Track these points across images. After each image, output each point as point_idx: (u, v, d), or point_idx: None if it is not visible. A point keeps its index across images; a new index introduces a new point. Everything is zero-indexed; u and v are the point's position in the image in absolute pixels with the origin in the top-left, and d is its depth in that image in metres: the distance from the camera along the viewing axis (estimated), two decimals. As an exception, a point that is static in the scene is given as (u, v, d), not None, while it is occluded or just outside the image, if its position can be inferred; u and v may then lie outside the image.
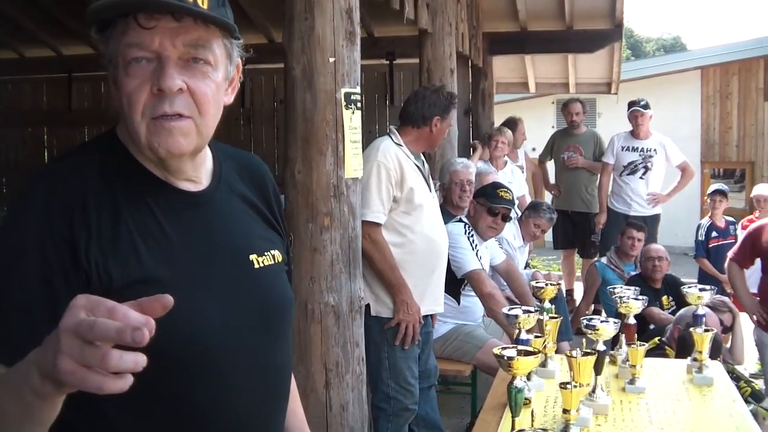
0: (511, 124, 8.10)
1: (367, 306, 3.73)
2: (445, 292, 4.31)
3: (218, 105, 1.39)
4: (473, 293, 4.81)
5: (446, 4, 5.85)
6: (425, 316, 4.03)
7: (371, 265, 3.81)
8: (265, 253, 1.52)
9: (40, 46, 9.04)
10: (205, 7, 1.30)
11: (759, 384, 4.71)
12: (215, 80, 1.36)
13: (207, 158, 1.49)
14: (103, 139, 1.44)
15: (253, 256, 1.49)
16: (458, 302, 4.91)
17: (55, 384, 0.97)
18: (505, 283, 5.54)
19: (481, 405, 5.08)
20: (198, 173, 1.46)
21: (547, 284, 3.23)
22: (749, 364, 5.99)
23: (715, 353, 3.88)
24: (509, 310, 2.81)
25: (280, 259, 1.56)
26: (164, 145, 1.32)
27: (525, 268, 6.61)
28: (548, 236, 14.81)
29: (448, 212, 4.94)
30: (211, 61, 1.34)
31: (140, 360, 0.92)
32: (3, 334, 1.24)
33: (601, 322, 2.68)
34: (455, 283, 4.76)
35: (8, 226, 1.32)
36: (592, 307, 7.75)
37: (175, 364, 1.28)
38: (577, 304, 7.82)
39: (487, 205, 5.01)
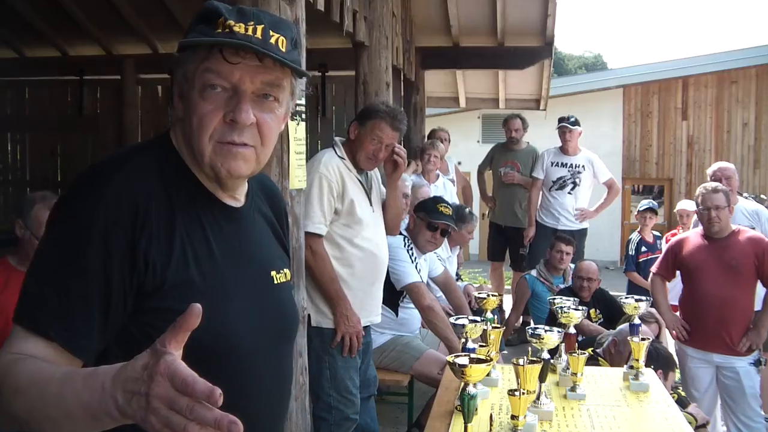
0: (433, 133, 8.22)
1: (308, 316, 3.74)
2: (384, 303, 4.33)
3: (277, 136, 1.55)
4: (411, 305, 4.85)
5: (383, 17, 5.89)
6: (365, 327, 4.05)
7: (311, 277, 3.82)
8: (281, 271, 1.66)
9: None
10: (284, 50, 1.43)
11: (682, 391, 4.87)
12: (279, 115, 1.52)
13: None
14: (159, 143, 1.54)
15: (273, 273, 1.63)
16: (396, 314, 4.94)
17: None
18: (440, 294, 5.60)
19: (417, 415, 5.16)
20: (241, 192, 1.61)
21: (489, 295, 3.30)
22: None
23: (667, 367, 4.04)
24: (456, 319, 2.86)
25: (289, 278, 1.70)
26: (226, 167, 1.46)
27: (457, 280, 6.68)
28: (474, 249, 15.16)
29: (384, 225, 4.97)
30: (279, 99, 1.50)
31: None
32: (63, 318, 1.34)
33: (546, 331, 2.75)
34: (394, 295, 4.80)
35: (78, 210, 1.39)
36: (521, 318, 7.90)
37: (208, 358, 1.36)
38: (507, 315, 7.94)
39: (427, 220, 5.06)
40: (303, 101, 3.27)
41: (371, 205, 4.08)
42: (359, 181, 4.00)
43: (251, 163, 1.49)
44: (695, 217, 5.44)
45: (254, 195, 1.65)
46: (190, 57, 1.43)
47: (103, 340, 1.37)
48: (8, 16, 7.67)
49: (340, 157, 3.96)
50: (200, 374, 1.39)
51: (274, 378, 1.59)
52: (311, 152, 4.13)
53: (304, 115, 3.30)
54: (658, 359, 3.91)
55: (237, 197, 1.58)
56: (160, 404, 1.05)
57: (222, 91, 1.43)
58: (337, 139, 4.12)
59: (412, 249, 4.94)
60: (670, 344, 5.90)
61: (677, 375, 5.37)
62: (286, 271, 1.69)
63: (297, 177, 3.31)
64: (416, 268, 4.86)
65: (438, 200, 5.36)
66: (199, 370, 1.37)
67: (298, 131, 3.25)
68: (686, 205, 7.78)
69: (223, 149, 1.44)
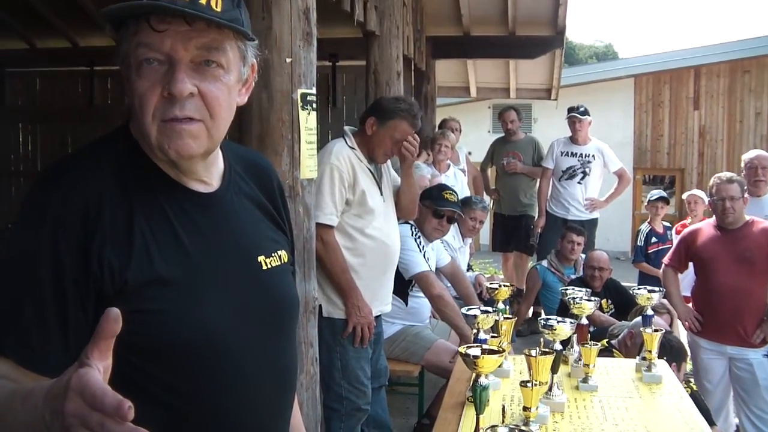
0: (444, 123, 8.23)
1: (319, 307, 3.73)
2: (393, 293, 4.31)
3: (230, 108, 1.40)
4: (421, 294, 4.84)
5: (394, 7, 5.87)
6: (376, 317, 4.04)
7: (323, 267, 3.81)
8: (272, 254, 1.54)
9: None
10: (219, 9, 1.30)
11: (694, 384, 4.84)
12: (227, 83, 1.37)
13: (218, 159, 1.49)
14: (117, 135, 1.43)
15: (261, 258, 1.51)
16: (406, 303, 4.93)
17: None
18: (449, 285, 5.58)
19: (427, 405, 5.16)
20: (209, 174, 1.47)
21: (500, 285, 3.28)
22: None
23: (679, 358, 4.02)
24: (468, 310, 2.85)
25: (286, 260, 1.58)
26: (174, 147, 1.33)
27: (467, 270, 6.67)
28: (484, 239, 15.12)
29: (395, 216, 4.95)
30: (223, 64, 1.35)
31: None
32: (18, 333, 1.26)
33: (558, 322, 2.74)
34: (403, 284, 4.78)
35: (25, 224, 1.32)
36: (532, 309, 7.89)
37: (192, 355, 1.33)
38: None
39: (433, 208, 5.04)
40: (313, 90, 3.25)
41: (382, 194, 4.06)
42: (370, 171, 3.99)
43: (202, 140, 1.35)
44: (707, 206, 5.41)
45: (233, 175, 1.52)
46: (124, 35, 1.31)
47: (68, 352, 1.26)
48: (19, 7, 7.67)
49: (350, 147, 3.95)
50: (187, 372, 1.36)
51: (274, 370, 1.50)
52: (321, 142, 4.10)
53: (315, 105, 3.28)
54: (670, 350, 3.90)
55: (206, 181, 1.45)
56: (73, 421, 0.97)
57: (158, 64, 1.30)
58: (347, 128, 4.10)
59: (419, 238, 4.93)
60: (682, 335, 5.87)
61: (689, 366, 5.35)
62: (281, 253, 1.56)
63: (308, 167, 3.30)
64: (424, 257, 4.85)
65: (443, 187, 5.34)
66: (185, 368, 1.35)
67: (309, 121, 3.23)
68: (694, 192, 7.74)
69: (167, 128, 1.31)
